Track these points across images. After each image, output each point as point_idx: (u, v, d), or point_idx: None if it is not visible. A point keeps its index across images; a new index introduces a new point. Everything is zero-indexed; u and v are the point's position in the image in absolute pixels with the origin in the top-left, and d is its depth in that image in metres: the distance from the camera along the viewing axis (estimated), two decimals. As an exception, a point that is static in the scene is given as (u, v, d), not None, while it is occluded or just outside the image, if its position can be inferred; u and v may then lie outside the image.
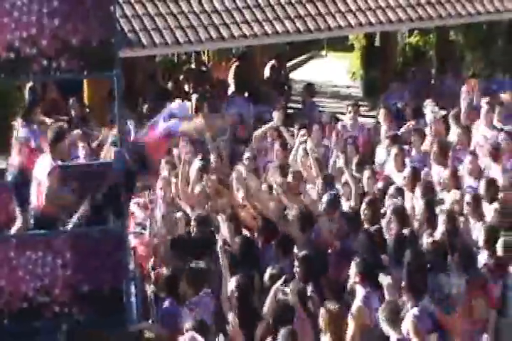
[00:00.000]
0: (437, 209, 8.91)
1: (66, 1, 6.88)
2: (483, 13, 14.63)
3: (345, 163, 9.94)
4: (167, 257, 8.46)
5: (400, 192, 9.53)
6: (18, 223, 7.49)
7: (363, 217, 8.92)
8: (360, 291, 7.54)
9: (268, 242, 8.70)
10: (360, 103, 14.75)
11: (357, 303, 7.38)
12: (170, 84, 16.27)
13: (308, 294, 7.62)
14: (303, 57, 21.06)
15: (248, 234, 8.93)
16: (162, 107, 13.47)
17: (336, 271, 8.34)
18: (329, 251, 8.68)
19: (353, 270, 7.62)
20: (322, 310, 7.01)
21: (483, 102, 11.42)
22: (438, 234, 8.42)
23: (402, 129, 11.72)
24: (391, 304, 7.06)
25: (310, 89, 14.95)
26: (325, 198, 9.18)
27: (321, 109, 15.58)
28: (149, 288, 8.37)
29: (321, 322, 7.00)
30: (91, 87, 13.81)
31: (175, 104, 8.04)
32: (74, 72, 7.05)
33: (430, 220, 8.71)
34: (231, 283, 7.57)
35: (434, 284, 7.65)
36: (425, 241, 8.34)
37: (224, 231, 8.79)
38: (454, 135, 11.25)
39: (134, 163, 7.39)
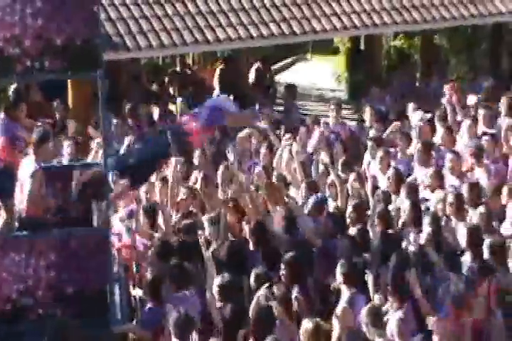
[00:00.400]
0: (422, 210, 8.93)
1: (49, 2, 6.86)
2: (468, 17, 14.71)
3: (330, 163, 9.93)
4: (151, 259, 8.42)
5: (386, 194, 9.55)
6: (1, 221, 7.46)
7: (348, 220, 8.92)
8: (346, 293, 7.54)
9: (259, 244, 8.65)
10: (345, 106, 14.81)
11: (342, 305, 7.37)
12: (155, 87, 16.27)
13: (294, 296, 7.61)
14: (288, 60, 21.10)
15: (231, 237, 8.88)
16: (146, 109, 13.75)
17: (322, 272, 8.32)
18: (314, 252, 8.66)
19: (338, 271, 7.62)
20: (302, 327, 6.96)
21: (465, 115, 11.44)
22: (424, 235, 8.41)
23: (388, 130, 11.73)
24: (373, 308, 7.05)
25: (291, 90, 15.01)
26: (311, 199, 9.18)
27: (305, 111, 15.63)
28: (134, 290, 8.34)
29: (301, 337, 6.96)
30: (75, 90, 13.77)
31: (220, 98, 8.34)
32: (57, 72, 7.03)
33: (416, 221, 8.71)
34: (215, 282, 7.54)
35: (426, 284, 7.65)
36: (412, 241, 8.35)
37: (208, 233, 8.77)
38: (439, 136, 11.30)
39: (174, 146, 7.69)
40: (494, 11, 14.82)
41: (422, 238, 8.35)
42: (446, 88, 12.38)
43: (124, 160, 8.02)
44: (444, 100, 12.49)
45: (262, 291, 7.41)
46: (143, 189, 9.72)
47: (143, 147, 8.36)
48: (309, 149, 11.47)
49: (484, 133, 11.11)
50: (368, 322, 6.91)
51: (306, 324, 6.85)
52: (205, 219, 8.94)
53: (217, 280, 7.56)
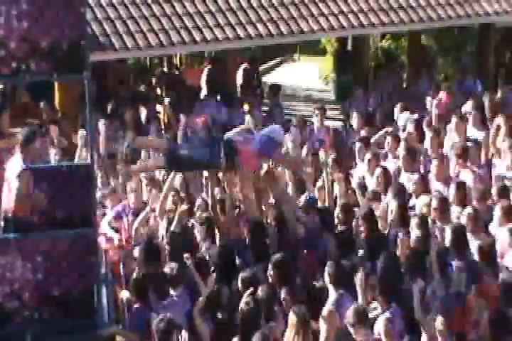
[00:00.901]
0: (410, 213, 8.94)
1: (35, 3, 6.82)
2: (454, 17, 14.75)
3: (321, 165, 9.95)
4: (139, 259, 8.40)
5: (375, 195, 9.58)
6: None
7: (336, 220, 8.92)
8: (332, 294, 7.53)
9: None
10: (332, 106, 14.85)
11: (328, 307, 7.35)
12: (142, 88, 16.25)
13: (283, 297, 7.61)
14: (275, 60, 21.11)
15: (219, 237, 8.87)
16: (134, 110, 13.72)
17: (309, 272, 8.32)
18: (302, 252, 8.66)
19: (326, 271, 7.63)
20: (290, 314, 6.97)
21: (455, 116, 11.47)
22: (412, 238, 8.40)
23: (379, 134, 11.71)
24: (359, 308, 7.06)
25: (274, 89, 15.05)
26: (302, 199, 9.19)
27: (293, 112, 15.65)
28: (121, 292, 8.33)
29: (289, 325, 6.96)
30: (62, 91, 13.75)
31: (275, 128, 8.66)
32: (44, 74, 7.00)
33: (404, 222, 8.72)
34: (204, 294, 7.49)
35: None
36: (401, 243, 8.36)
37: (197, 234, 8.76)
38: (427, 140, 11.32)
39: (224, 157, 8.00)
40: (481, 12, 14.86)
41: (411, 241, 8.34)
42: (442, 95, 12.46)
43: (176, 152, 8.10)
44: (429, 102, 12.56)
45: (245, 296, 7.37)
46: (129, 189, 9.71)
47: (196, 144, 8.40)
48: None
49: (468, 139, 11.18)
50: (353, 323, 6.91)
51: (292, 316, 6.86)
52: (194, 219, 8.93)
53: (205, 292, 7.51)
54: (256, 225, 8.52)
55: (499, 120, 11.05)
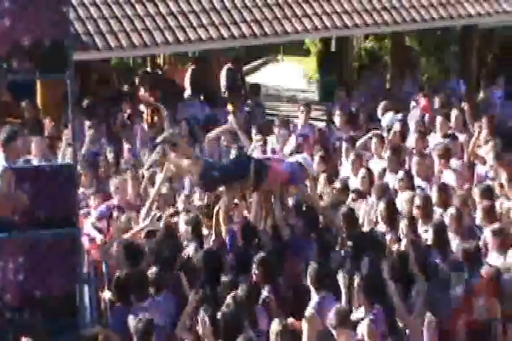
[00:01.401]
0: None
1: (17, 2, 6.79)
2: (437, 19, 14.80)
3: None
4: (121, 262, 8.36)
5: (359, 195, 9.59)
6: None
7: (322, 220, 8.92)
8: (314, 297, 7.54)
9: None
10: (316, 107, 14.85)
11: (309, 310, 7.35)
12: (125, 88, 16.19)
13: (265, 296, 7.59)
14: (259, 61, 21.11)
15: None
16: (117, 110, 13.67)
17: (293, 272, 8.32)
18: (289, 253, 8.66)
19: (307, 274, 7.63)
20: (271, 328, 6.94)
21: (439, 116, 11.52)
22: (403, 242, 8.40)
23: (364, 138, 11.71)
24: (341, 309, 7.06)
25: (254, 89, 15.08)
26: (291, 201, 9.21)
27: (276, 112, 15.66)
28: (103, 292, 8.29)
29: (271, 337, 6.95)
30: (44, 90, 13.68)
31: (305, 157, 9.05)
32: (26, 73, 6.97)
33: (391, 222, 8.71)
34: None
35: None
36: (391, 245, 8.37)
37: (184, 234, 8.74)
38: (412, 139, 11.37)
39: (254, 174, 8.39)
40: (463, 14, 14.93)
41: (402, 245, 8.34)
42: (421, 99, 12.51)
43: (209, 172, 8.46)
44: (414, 104, 12.62)
45: (228, 299, 7.35)
46: (112, 189, 9.68)
47: (228, 165, 8.75)
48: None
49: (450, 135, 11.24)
50: (336, 324, 6.89)
51: (275, 325, 6.84)
52: (182, 219, 8.91)
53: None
54: (247, 228, 8.55)
55: (481, 124, 11.16)
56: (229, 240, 8.57)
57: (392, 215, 8.71)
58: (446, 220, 8.69)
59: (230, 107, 14.02)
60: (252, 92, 15.02)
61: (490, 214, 8.78)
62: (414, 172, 10.09)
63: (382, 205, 8.78)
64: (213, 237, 8.60)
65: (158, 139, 8.97)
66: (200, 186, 8.82)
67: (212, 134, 11.00)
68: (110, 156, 11.76)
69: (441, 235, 8.28)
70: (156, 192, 9.09)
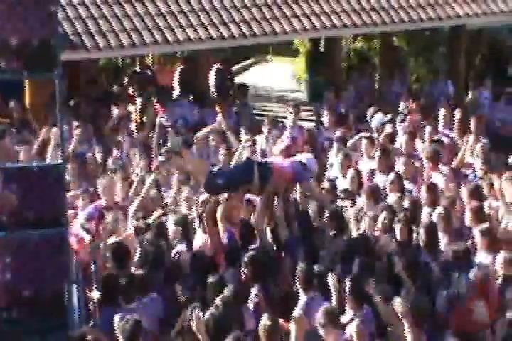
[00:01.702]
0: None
1: (5, 1, 6.76)
2: (426, 20, 14.84)
3: None
4: (109, 263, 8.35)
5: (349, 195, 9.61)
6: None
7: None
8: (303, 298, 7.55)
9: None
10: (305, 108, 14.85)
11: (297, 311, 7.36)
12: (114, 88, 16.17)
13: (254, 294, 7.59)
14: (248, 61, 21.11)
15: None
16: (106, 110, 13.65)
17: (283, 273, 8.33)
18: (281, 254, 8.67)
19: (296, 276, 7.65)
20: (260, 324, 6.95)
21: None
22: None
23: (354, 138, 11.74)
24: (330, 309, 7.07)
25: (242, 89, 15.08)
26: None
27: (265, 113, 15.65)
28: (92, 292, 8.28)
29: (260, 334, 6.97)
30: (32, 89, 13.64)
31: (309, 156, 9.12)
32: (14, 72, 6.94)
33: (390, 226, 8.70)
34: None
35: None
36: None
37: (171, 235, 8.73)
38: (401, 141, 11.41)
39: (259, 179, 8.45)
40: (452, 14, 14.97)
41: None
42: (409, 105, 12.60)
43: (213, 180, 8.50)
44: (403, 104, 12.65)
45: (217, 301, 7.35)
46: (100, 189, 9.67)
47: (232, 171, 8.82)
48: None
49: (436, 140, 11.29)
50: (324, 323, 6.90)
51: (264, 320, 6.86)
52: (171, 219, 8.91)
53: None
54: (246, 228, 8.56)
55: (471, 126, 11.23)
56: (227, 240, 8.55)
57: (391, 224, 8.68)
58: (435, 219, 8.73)
59: (218, 108, 14.01)
60: (240, 92, 15.03)
61: (478, 215, 8.81)
62: (402, 173, 10.11)
63: (382, 216, 8.71)
64: (208, 238, 8.59)
65: (163, 149, 8.97)
66: (204, 189, 8.82)
67: (200, 134, 11.00)
68: (98, 156, 11.76)
69: (432, 236, 8.31)
70: (145, 193, 9.10)
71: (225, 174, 8.70)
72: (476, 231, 8.56)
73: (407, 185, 9.94)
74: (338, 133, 12.03)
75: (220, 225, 8.49)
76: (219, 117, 12.73)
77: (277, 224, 8.65)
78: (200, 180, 8.67)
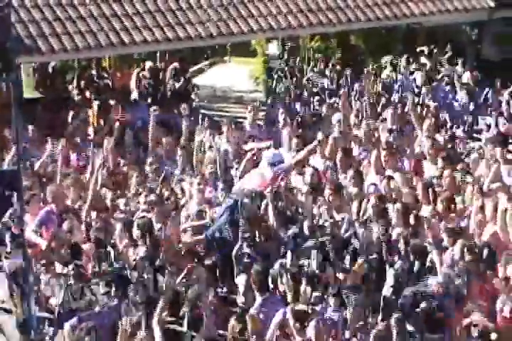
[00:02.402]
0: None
1: (-44, 4, 6.66)
2: (382, 18, 14.93)
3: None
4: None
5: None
6: None
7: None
8: (258, 299, 7.61)
9: None
10: (263, 108, 14.84)
11: (251, 311, 7.42)
12: (71, 91, 16.02)
13: (210, 298, 7.61)
14: (206, 62, 21.06)
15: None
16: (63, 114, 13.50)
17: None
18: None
19: (251, 278, 7.70)
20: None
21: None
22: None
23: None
24: (295, 309, 7.09)
25: (193, 89, 15.09)
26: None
27: (224, 113, 15.63)
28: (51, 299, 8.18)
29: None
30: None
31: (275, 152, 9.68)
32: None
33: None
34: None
35: None
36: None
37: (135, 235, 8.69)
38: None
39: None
40: (407, 13, 15.08)
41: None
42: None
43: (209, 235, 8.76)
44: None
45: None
46: (48, 193, 9.56)
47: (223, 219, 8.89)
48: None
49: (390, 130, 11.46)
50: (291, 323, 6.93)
51: (232, 321, 6.95)
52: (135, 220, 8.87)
53: None
54: None
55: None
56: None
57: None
58: (393, 215, 8.82)
59: (177, 109, 13.95)
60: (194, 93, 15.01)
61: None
62: (366, 167, 10.26)
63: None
64: None
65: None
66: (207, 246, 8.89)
67: (153, 136, 11.03)
68: (48, 160, 11.59)
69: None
70: (92, 195, 8.99)
71: (216, 225, 8.77)
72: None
73: (373, 178, 10.05)
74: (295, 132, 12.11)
75: None
76: (179, 119, 12.68)
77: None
78: None
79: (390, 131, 11.58)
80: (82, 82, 15.97)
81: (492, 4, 15.65)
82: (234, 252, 8.39)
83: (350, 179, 9.91)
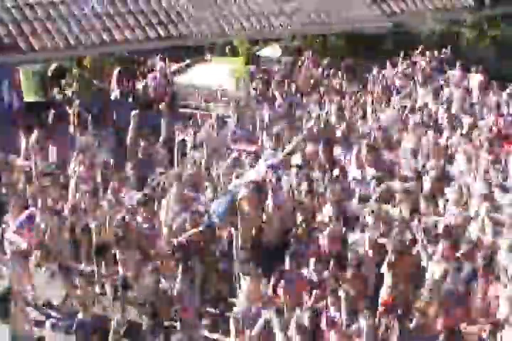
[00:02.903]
0: None
1: None
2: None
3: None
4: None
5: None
6: None
7: None
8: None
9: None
10: (246, 106, 14.87)
11: (232, 315, 7.60)
12: (54, 90, 15.99)
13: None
14: (188, 61, 21.05)
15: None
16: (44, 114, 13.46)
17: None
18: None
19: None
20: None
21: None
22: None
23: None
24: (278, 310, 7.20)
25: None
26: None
27: (205, 112, 15.63)
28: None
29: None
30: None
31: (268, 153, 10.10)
32: None
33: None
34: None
35: None
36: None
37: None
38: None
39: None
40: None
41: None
42: None
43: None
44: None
45: None
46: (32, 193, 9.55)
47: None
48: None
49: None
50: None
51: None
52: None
53: None
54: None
55: None
56: None
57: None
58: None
59: (160, 107, 13.96)
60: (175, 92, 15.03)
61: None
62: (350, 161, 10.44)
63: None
64: None
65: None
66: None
67: (132, 134, 11.06)
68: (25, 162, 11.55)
69: None
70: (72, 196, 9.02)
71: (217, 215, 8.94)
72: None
73: (355, 172, 10.19)
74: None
75: None
76: (160, 118, 12.70)
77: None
78: None
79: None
80: (63, 81, 15.96)
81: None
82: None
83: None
